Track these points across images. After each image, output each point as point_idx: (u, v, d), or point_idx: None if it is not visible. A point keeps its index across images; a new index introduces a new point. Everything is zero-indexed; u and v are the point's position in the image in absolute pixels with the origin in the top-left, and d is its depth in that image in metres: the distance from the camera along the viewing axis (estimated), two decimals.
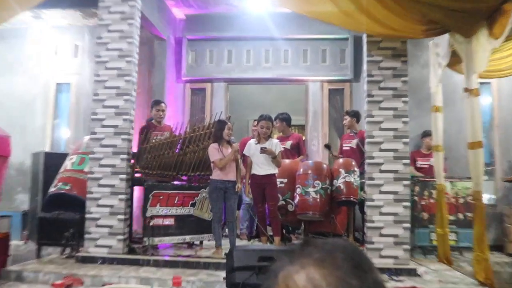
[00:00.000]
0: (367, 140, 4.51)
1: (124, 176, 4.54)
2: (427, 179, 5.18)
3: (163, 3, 6.29)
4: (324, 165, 4.90)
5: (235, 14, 6.58)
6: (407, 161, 4.43)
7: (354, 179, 4.66)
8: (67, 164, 5.07)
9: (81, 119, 6.49)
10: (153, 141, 4.79)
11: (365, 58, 4.60)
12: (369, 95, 4.50)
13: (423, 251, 5.04)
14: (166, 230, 4.60)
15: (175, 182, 4.95)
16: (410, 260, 4.39)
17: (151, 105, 5.27)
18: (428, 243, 5.01)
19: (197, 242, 5.00)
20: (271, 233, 4.62)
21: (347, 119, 5.48)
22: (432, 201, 5.04)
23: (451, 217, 4.94)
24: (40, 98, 6.65)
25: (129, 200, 4.67)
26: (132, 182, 4.73)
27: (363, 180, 4.68)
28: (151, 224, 4.45)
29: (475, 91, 3.85)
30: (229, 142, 4.56)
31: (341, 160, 5.01)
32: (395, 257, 4.27)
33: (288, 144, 5.49)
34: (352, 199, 4.63)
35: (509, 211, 5.63)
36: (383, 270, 4.02)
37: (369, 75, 4.52)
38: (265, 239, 4.60)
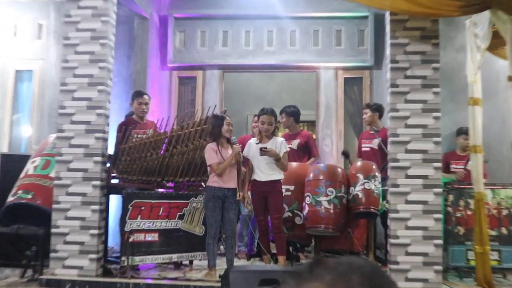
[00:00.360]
0: (390, 139, 4.52)
1: (98, 183, 4.55)
2: (463, 186, 5.17)
3: None
4: (339, 169, 4.90)
5: None
6: (439, 164, 4.43)
7: (375, 186, 4.66)
8: (29, 168, 5.08)
9: (46, 114, 6.50)
10: (133, 140, 4.80)
11: (388, 41, 4.60)
12: (393, 85, 4.50)
13: (458, 273, 5.03)
14: (148, 247, 4.60)
15: (160, 190, 4.95)
16: (443, 284, 4.39)
17: (132, 97, 5.28)
18: (464, 263, 4.99)
19: (186, 262, 5.01)
20: (275, 251, 4.62)
21: (367, 114, 5.49)
22: (469, 212, 5.03)
23: (493, 232, 4.93)
24: None
25: (104, 211, 4.68)
26: (108, 189, 4.73)
27: (386, 188, 4.68)
28: (130, 240, 4.46)
29: None
30: (229, 141, 4.56)
31: (359, 163, 5.01)
32: (425, 280, 4.27)
33: (294, 143, 5.50)
34: (372, 210, 4.63)
35: None
36: None
37: (393, 61, 4.52)
38: (268, 259, 4.61)
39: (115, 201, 5.29)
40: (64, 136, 4.64)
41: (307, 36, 6.67)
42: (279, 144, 4.59)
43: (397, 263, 4.32)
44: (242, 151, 4.67)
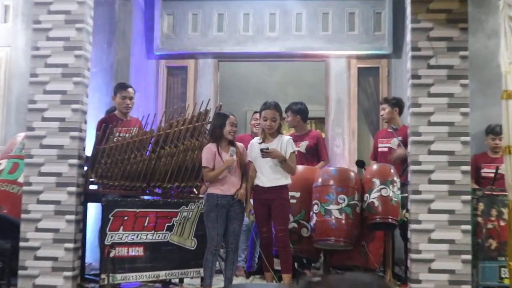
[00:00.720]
0: (411, 138, 4.53)
1: (73, 189, 4.55)
2: (495, 193, 5.17)
3: None
4: (352, 174, 4.91)
5: None
6: (467, 168, 4.44)
7: (393, 192, 4.67)
8: None
9: (13, 110, 6.50)
10: (115, 140, 4.80)
11: (408, 25, 4.61)
12: (414, 76, 4.51)
13: None
14: (132, 263, 4.61)
15: (145, 197, 4.95)
16: None
17: (114, 90, 5.29)
18: (497, 282, 5.00)
19: (176, 280, 5.02)
20: (278, 267, 4.63)
21: (385, 110, 5.49)
22: (502, 223, 5.03)
23: None
24: None
25: (81, 222, 4.68)
26: (85, 197, 4.74)
27: (406, 195, 4.69)
28: (111, 255, 4.46)
29: None
30: (232, 143, 4.57)
31: (375, 166, 5.02)
32: None
33: (302, 146, 5.49)
34: (390, 220, 4.63)
35: None
36: None
37: (414, 49, 4.53)
38: (271, 276, 4.61)
39: (93, 210, 5.29)
40: (34, 135, 4.64)
41: (315, 20, 6.68)
42: (285, 143, 4.57)
43: (419, 281, 4.33)
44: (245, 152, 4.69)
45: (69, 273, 4.47)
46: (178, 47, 6.82)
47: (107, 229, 4.50)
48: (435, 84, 4.49)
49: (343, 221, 4.62)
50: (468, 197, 4.44)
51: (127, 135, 4.92)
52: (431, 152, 4.44)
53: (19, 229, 4.53)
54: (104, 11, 6.22)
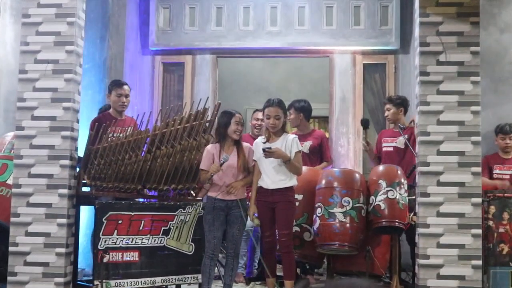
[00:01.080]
0: (419, 138, 4.54)
1: (65, 191, 4.56)
2: (507, 195, 5.18)
3: None
4: (357, 175, 4.92)
5: None
6: (478, 169, 4.44)
7: (400, 195, 4.68)
8: None
9: (1, 108, 6.51)
10: (109, 140, 4.81)
11: (417, 19, 4.62)
12: (423, 73, 4.52)
13: None
14: (127, 269, 4.61)
15: (140, 200, 4.96)
16: None
17: (109, 87, 5.31)
18: None
19: (173, 287, 5.02)
20: (280, 273, 4.63)
21: (390, 111, 5.50)
22: None
23: None
24: None
25: (73, 226, 4.69)
26: (78, 199, 4.75)
27: (413, 197, 4.70)
28: (105, 260, 4.46)
29: None
30: (238, 143, 4.58)
31: (381, 167, 5.03)
32: None
33: (306, 146, 5.50)
34: (397, 224, 4.64)
35: None
36: None
37: (423, 44, 4.53)
38: (272, 283, 4.62)
39: (86, 213, 5.30)
40: (24, 135, 4.65)
41: (319, 14, 6.69)
42: (290, 142, 4.53)
43: None
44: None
45: (61, 279, 4.48)
46: (175, 42, 6.82)
47: (101, 233, 4.50)
48: (445, 81, 4.50)
49: (348, 225, 4.64)
50: (479, 200, 4.44)
51: (121, 134, 4.93)
52: (440, 153, 4.45)
53: (8, 233, 4.54)
54: (97, 4, 6.23)
